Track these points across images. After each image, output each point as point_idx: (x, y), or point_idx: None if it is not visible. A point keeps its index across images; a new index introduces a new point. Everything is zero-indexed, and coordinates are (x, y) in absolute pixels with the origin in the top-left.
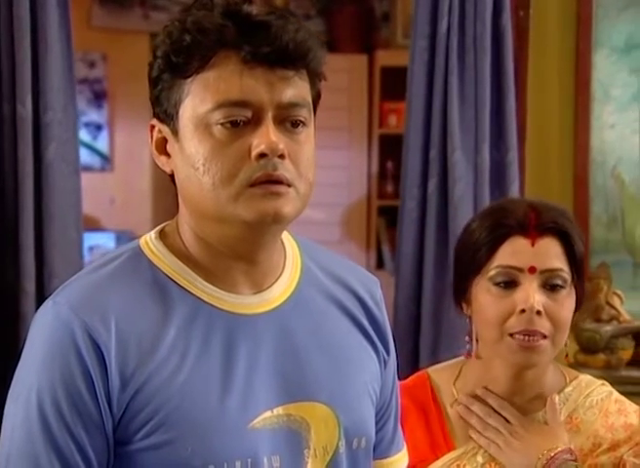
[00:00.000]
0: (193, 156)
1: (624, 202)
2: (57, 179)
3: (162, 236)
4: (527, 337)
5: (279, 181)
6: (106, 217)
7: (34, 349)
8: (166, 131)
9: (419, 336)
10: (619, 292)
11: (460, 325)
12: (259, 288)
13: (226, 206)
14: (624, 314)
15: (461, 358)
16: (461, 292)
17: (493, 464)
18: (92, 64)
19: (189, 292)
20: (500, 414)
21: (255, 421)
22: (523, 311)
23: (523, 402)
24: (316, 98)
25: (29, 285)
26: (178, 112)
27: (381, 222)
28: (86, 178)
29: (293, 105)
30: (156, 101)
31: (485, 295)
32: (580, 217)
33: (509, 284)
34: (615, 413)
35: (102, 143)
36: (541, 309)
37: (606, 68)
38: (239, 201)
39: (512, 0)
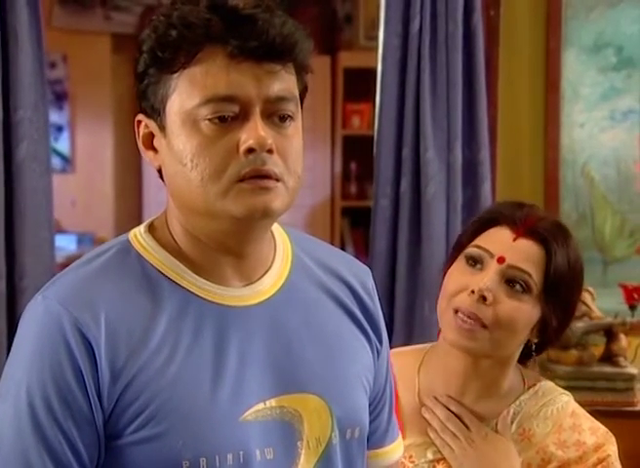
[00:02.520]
0: (181, 152)
1: (594, 200)
2: (27, 179)
3: (151, 230)
4: (465, 320)
5: (268, 176)
6: (68, 219)
7: (23, 345)
8: (153, 126)
9: (391, 335)
10: (590, 288)
11: (433, 323)
12: (248, 280)
13: (215, 201)
14: (596, 310)
15: (427, 344)
16: (447, 268)
17: (442, 462)
18: (52, 65)
19: (179, 285)
20: (460, 420)
21: (247, 413)
22: (473, 292)
23: (477, 403)
24: (303, 91)
25: (0, 284)
26: (165, 107)
27: (345, 223)
28: None
29: (280, 99)
30: (142, 96)
31: (454, 267)
32: None
33: (476, 263)
34: (568, 430)
35: (63, 145)
36: (490, 298)
37: (575, 67)
38: (228, 196)
39: (483, 0)
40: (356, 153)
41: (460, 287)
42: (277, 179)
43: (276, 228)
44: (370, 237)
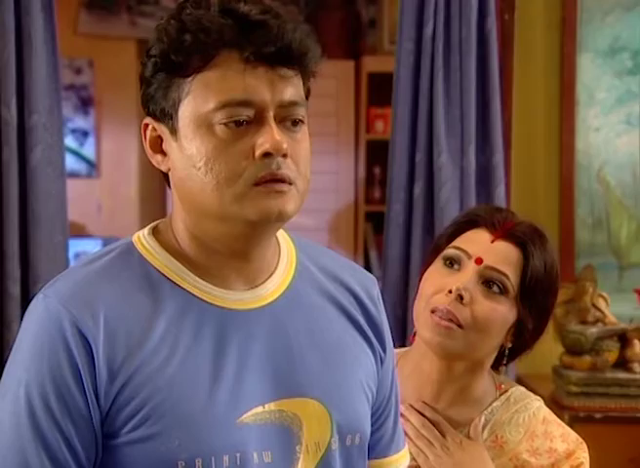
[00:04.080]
0: (195, 156)
1: (610, 205)
2: (42, 183)
3: (155, 233)
4: (443, 317)
5: (282, 180)
6: (93, 224)
7: (24, 343)
8: (163, 129)
9: (404, 340)
10: (604, 294)
11: None
12: (252, 284)
13: (231, 205)
14: (610, 316)
15: (402, 349)
16: (424, 270)
17: None
18: (78, 71)
19: (180, 287)
20: (435, 427)
21: (245, 416)
22: (450, 292)
23: (450, 409)
24: (307, 95)
25: (14, 288)
26: (177, 111)
27: (369, 228)
28: (73, 185)
29: (292, 104)
30: (151, 100)
31: (432, 269)
32: (565, 220)
33: (454, 264)
34: (540, 436)
35: (89, 150)
36: (467, 297)
37: (591, 72)
38: (244, 200)
39: (497, 4)
40: (380, 158)
41: (437, 288)
42: (290, 183)
43: (281, 234)
44: (383, 242)
